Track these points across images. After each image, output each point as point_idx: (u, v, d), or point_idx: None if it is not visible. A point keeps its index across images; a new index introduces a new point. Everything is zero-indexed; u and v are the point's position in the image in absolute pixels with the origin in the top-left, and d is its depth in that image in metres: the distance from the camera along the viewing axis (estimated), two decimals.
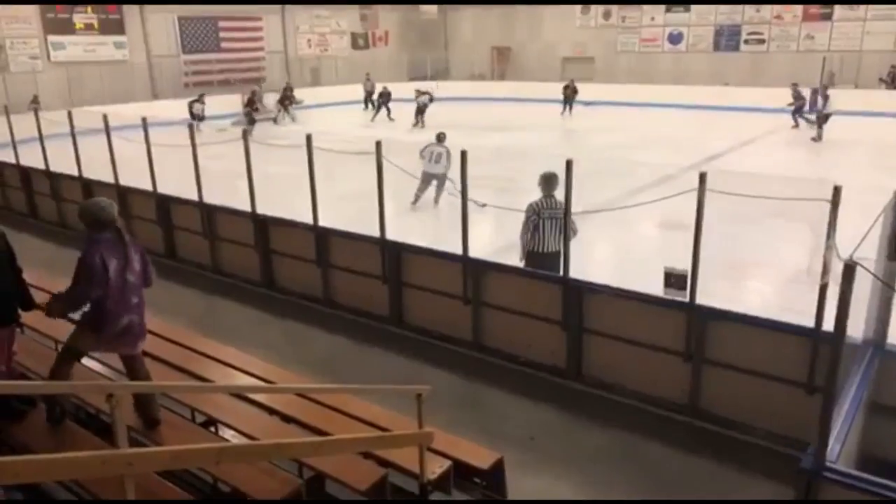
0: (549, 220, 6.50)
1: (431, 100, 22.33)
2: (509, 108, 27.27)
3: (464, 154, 6.52)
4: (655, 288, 5.66)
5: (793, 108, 21.11)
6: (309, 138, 7.77)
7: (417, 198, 11.96)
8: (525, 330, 6.47)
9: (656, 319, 5.71)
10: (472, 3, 31.63)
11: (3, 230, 3.95)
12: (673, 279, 5.42)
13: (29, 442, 3.62)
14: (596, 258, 9.20)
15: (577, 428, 5.60)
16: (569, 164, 5.77)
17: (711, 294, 5.59)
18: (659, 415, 5.73)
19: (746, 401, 5.37)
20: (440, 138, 12.07)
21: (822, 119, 19.16)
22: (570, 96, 25.60)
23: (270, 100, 23.51)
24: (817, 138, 19.08)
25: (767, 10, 27.39)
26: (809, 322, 4.92)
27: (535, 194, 6.72)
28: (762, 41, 27.81)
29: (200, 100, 21.64)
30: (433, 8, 30.60)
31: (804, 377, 5.00)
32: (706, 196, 5.25)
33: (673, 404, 5.72)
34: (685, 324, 5.51)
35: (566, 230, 6.17)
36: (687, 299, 5.44)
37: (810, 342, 4.94)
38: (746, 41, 28.06)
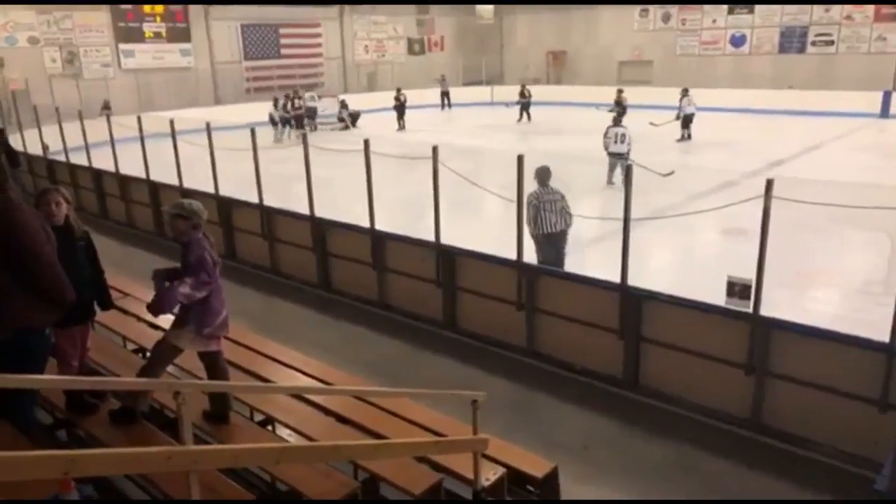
0: (549, 203, 7.35)
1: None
2: (564, 111, 27.02)
3: (520, 158, 6.49)
4: (717, 297, 5.50)
5: None
6: (366, 143, 7.87)
7: (610, 178, 12.98)
8: (580, 337, 6.38)
9: (718, 330, 5.55)
10: (528, 3, 31.44)
11: (86, 229, 4.09)
12: (736, 288, 5.26)
13: (99, 435, 3.76)
14: (655, 265, 9.02)
15: (634, 439, 5.49)
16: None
17: (776, 304, 5.40)
18: (719, 428, 5.56)
19: (813, 416, 5.17)
20: (617, 121, 13.47)
21: None
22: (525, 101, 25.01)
23: (329, 104, 23.88)
24: None
25: (837, 11, 26.37)
26: (883, 336, 4.70)
27: (591, 198, 6.65)
28: (831, 42, 26.79)
29: (299, 96, 22.35)
30: (489, 12, 30.57)
31: (877, 394, 4.78)
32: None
33: (734, 418, 5.55)
34: (748, 335, 5.34)
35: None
36: (750, 309, 5.27)
37: (885, 357, 4.72)
38: (814, 42, 27.08)
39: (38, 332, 3.40)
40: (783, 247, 5.77)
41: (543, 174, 7.39)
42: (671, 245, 10.03)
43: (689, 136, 19.52)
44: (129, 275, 8.06)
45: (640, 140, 14.88)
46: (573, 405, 6.03)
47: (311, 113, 22.05)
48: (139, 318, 6.37)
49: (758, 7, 27.80)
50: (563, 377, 6.47)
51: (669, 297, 5.82)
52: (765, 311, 5.25)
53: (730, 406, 5.58)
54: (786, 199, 5.15)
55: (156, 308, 3.91)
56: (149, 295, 6.87)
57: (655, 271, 8.37)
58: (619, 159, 12.60)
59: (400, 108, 23.50)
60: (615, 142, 13.10)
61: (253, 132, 9.23)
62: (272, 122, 21.53)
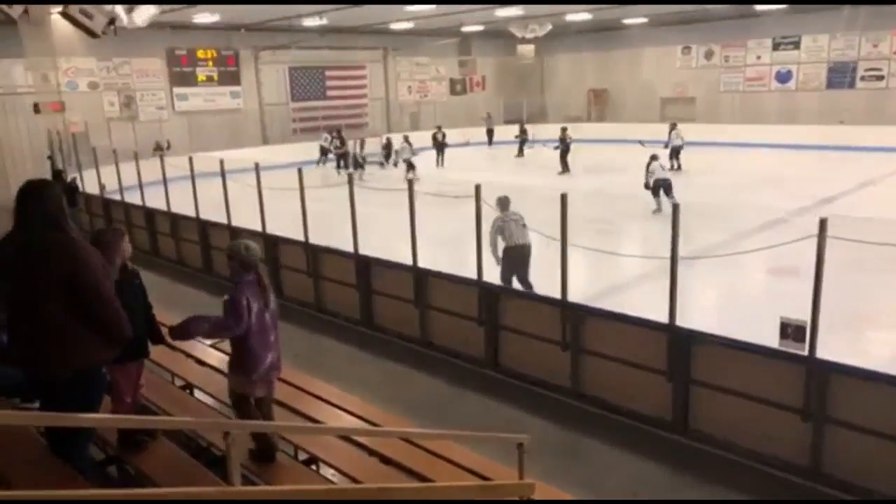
0: (512, 222, 8.36)
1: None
2: (607, 149, 26.94)
3: (563, 197, 6.47)
4: (769, 338, 5.33)
5: None
6: (410, 183, 8.00)
7: (659, 205, 13.98)
8: (627, 379, 6.24)
9: (771, 373, 5.37)
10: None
11: (137, 270, 4.19)
12: (790, 330, 5.09)
13: (149, 472, 3.81)
14: (703, 305, 8.81)
15: (685, 486, 5.30)
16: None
17: (831, 347, 5.20)
18: (775, 476, 5.34)
19: (876, 467, 4.92)
20: (655, 157, 14.85)
21: None
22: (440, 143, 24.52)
23: (374, 146, 24.25)
24: None
25: (886, 46, 25.89)
26: None
27: (636, 236, 6.57)
28: (881, 77, 26.23)
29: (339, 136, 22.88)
30: (530, 52, 30.88)
31: None
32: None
33: (790, 465, 5.33)
34: (804, 378, 5.15)
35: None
36: (806, 352, 5.09)
37: None
38: (863, 77, 26.55)
39: (96, 370, 3.45)
40: (837, 287, 5.58)
41: (504, 201, 8.50)
42: (718, 284, 9.79)
43: (679, 167, 20.41)
44: (178, 311, 8.18)
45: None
46: (621, 449, 5.88)
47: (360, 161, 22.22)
48: (188, 355, 6.49)
49: (804, 43, 27.48)
50: (609, 419, 6.32)
51: (720, 338, 5.67)
52: (821, 353, 5.07)
53: (785, 453, 5.36)
54: (841, 239, 5.01)
55: (175, 332, 4.12)
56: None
57: (703, 311, 8.18)
58: (664, 185, 14.09)
59: (440, 146, 23.73)
60: (662, 169, 14.64)
61: (300, 172, 9.44)
62: (322, 153, 22.21)
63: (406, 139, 22.41)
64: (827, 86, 27.35)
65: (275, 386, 4.35)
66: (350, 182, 8.80)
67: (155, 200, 13.13)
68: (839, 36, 26.59)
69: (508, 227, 8.34)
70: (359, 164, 21.50)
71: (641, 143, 18.12)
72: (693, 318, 6.14)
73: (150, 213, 13.42)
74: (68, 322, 3.23)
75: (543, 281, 7.64)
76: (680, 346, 5.82)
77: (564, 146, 21.11)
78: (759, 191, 17.35)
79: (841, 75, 26.94)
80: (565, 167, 21.04)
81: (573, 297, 6.68)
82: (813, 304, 5.04)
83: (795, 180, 18.80)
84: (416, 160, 21.15)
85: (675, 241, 5.76)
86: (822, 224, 4.92)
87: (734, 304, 9.04)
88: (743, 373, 5.54)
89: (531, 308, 7.01)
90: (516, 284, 8.22)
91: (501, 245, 8.33)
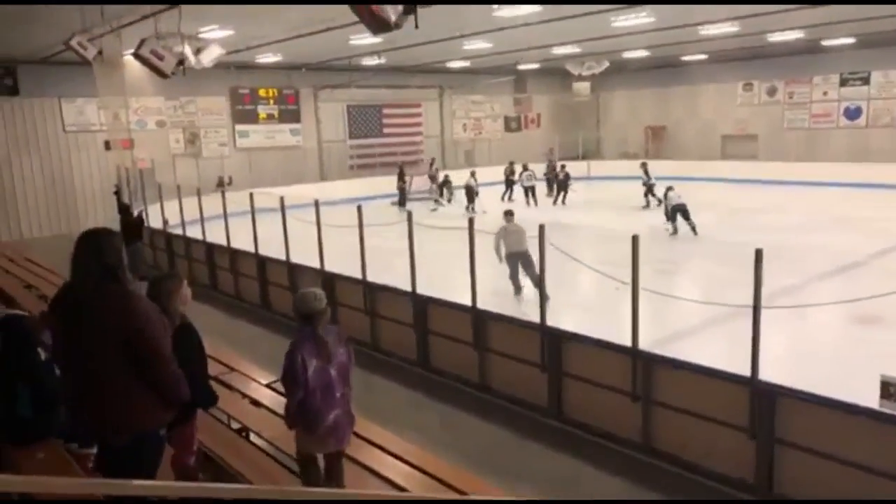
0: (513, 233, 10.17)
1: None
2: (665, 186, 26.35)
3: (635, 239, 6.18)
4: (857, 394, 4.87)
5: None
6: (471, 222, 7.83)
7: (675, 229, 15.79)
8: (704, 435, 5.81)
9: (869, 435, 4.88)
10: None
11: (190, 323, 3.95)
12: (893, 390, 4.63)
13: None
14: (780, 355, 8.26)
15: None
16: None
17: None
18: None
19: None
20: (671, 188, 16.67)
21: None
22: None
23: (428, 182, 24.31)
24: None
25: None
26: None
27: (698, 277, 6.20)
28: None
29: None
30: (586, 89, 30.73)
31: None
32: None
33: None
34: None
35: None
36: None
37: None
38: None
39: (154, 434, 3.25)
40: None
41: (509, 214, 10.75)
42: (795, 333, 9.18)
43: (648, 205, 20.74)
44: (235, 347, 8.20)
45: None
46: None
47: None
48: (243, 395, 6.37)
49: (873, 79, 26.53)
50: (683, 478, 5.89)
51: (808, 395, 5.21)
52: None
53: None
54: None
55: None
56: (252, 370, 6.93)
57: (782, 363, 7.64)
58: (681, 210, 15.64)
59: (561, 183, 23.03)
60: (678, 197, 16.14)
61: (359, 209, 9.39)
62: (402, 194, 22.48)
63: (525, 167, 23.07)
64: None
65: (346, 443, 4.11)
66: (409, 220, 8.68)
67: (215, 235, 13.33)
68: None
69: (508, 237, 10.07)
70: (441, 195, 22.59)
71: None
72: (770, 369, 5.68)
73: (209, 248, 13.61)
74: (125, 383, 3.06)
75: (603, 322, 7.29)
76: (763, 401, 5.38)
77: (649, 183, 20.93)
78: (829, 232, 16.52)
79: None
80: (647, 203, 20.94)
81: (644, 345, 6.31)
82: None
83: (869, 220, 17.86)
84: (481, 197, 21.33)
85: (757, 288, 5.38)
86: None
87: (815, 354, 8.42)
88: (835, 433, 5.07)
89: (598, 355, 6.66)
90: (529, 285, 9.82)
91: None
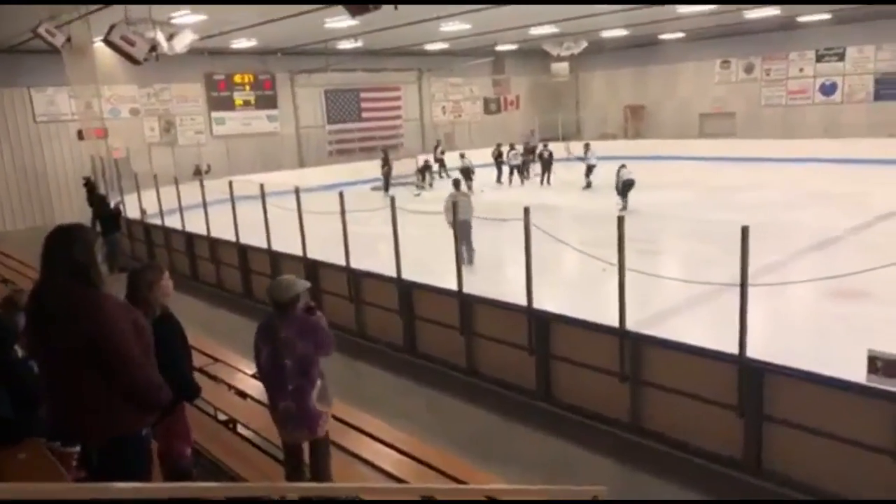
0: (461, 201, 10.13)
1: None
2: (644, 166, 26.40)
3: (620, 220, 6.15)
4: (840, 367, 4.90)
5: None
6: (455, 206, 7.77)
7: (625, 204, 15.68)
8: (693, 414, 5.84)
9: (856, 410, 4.93)
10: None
11: (171, 313, 3.84)
12: (880, 364, 4.66)
13: None
14: (764, 331, 8.31)
15: None
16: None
17: None
18: None
19: None
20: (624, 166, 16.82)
21: None
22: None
23: (408, 166, 24.09)
24: None
25: None
26: None
27: (679, 256, 6.20)
28: None
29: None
30: (565, 70, 30.59)
31: None
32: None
33: None
34: None
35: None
36: None
37: None
38: None
39: (133, 437, 3.09)
40: None
41: (457, 182, 11.93)
42: (778, 310, 9.23)
43: (590, 185, 20.97)
44: (217, 337, 8.08)
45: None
46: (686, 489, 5.46)
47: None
48: (229, 386, 6.29)
49: (849, 55, 26.74)
50: (673, 457, 5.92)
51: (796, 371, 5.25)
52: None
53: (876, 496, 4.89)
54: None
55: None
56: (237, 360, 6.84)
57: (768, 339, 7.69)
58: (631, 185, 16.41)
59: (545, 162, 23.08)
60: (629, 173, 16.83)
61: (341, 195, 9.27)
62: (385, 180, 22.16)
63: (512, 146, 23.56)
64: (875, 98, 26.52)
65: (305, 435, 3.98)
66: (393, 204, 8.58)
67: (194, 224, 13.11)
68: (885, 47, 25.85)
69: (456, 207, 9.28)
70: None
71: (567, 149, 21.71)
72: (758, 346, 5.70)
73: (189, 238, 13.40)
74: (94, 387, 2.90)
75: (589, 304, 7.27)
76: (752, 379, 5.41)
77: (588, 163, 21.55)
78: (807, 207, 16.66)
79: (889, 87, 26.10)
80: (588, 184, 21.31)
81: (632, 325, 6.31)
82: None
83: (846, 196, 18.05)
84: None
85: (744, 266, 5.38)
86: None
87: (799, 331, 8.49)
88: (823, 409, 5.12)
89: (586, 337, 6.65)
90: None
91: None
